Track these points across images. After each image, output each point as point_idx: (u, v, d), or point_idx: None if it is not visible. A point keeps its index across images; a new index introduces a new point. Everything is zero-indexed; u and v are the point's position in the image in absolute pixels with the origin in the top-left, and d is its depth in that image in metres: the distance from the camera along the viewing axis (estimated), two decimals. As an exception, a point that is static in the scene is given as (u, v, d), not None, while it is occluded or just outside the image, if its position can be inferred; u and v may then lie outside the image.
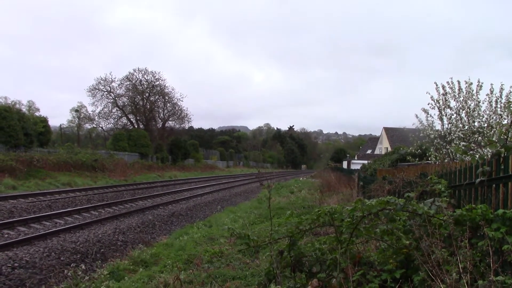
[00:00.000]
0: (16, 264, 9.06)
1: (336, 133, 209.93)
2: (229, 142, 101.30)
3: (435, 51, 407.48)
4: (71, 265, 9.39)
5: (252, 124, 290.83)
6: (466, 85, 13.33)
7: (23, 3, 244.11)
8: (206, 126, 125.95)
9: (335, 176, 28.84)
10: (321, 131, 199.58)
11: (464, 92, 13.38)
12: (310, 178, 45.46)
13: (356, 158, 71.64)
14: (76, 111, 60.36)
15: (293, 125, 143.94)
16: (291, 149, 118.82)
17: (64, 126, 63.03)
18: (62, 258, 9.99)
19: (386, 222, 4.17)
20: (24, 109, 41.44)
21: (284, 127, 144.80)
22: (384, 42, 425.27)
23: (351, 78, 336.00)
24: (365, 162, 38.08)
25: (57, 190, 21.95)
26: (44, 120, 36.15)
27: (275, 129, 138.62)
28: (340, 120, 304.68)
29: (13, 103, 43.51)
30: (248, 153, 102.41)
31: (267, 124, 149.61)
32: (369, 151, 77.00)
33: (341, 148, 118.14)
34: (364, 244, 5.01)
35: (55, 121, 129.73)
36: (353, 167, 51.55)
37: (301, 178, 44.96)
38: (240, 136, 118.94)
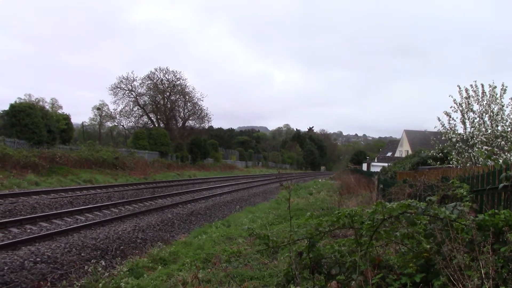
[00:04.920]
0: (38, 259, 9.23)
1: (356, 135, 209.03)
2: (249, 142, 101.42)
3: (460, 53, 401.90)
4: (92, 261, 9.51)
5: (272, 124, 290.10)
6: (490, 88, 13.15)
7: (47, 2, 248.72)
8: (225, 126, 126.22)
9: (355, 178, 28.61)
10: (340, 132, 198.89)
11: (488, 96, 13.20)
12: (329, 179, 45.25)
13: (376, 160, 71.07)
14: (98, 109, 61.30)
15: (312, 126, 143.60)
16: (310, 150, 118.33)
17: (86, 123, 64.17)
18: (82, 254, 10.13)
19: (407, 226, 4.14)
20: (47, 107, 42.28)
21: (303, 128, 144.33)
22: (407, 43, 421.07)
23: (372, 79, 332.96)
24: (385, 164, 37.77)
25: (78, 187, 22.27)
26: (66, 118, 36.69)
27: (295, 130, 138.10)
28: (360, 121, 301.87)
29: (36, 100, 44.54)
30: (267, 153, 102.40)
31: (287, 124, 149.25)
32: (389, 154, 76.34)
33: (361, 150, 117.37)
34: (384, 247, 4.97)
35: (77, 119, 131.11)
36: (372, 169, 51.15)
37: (320, 180, 44.77)
38: (260, 136, 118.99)
